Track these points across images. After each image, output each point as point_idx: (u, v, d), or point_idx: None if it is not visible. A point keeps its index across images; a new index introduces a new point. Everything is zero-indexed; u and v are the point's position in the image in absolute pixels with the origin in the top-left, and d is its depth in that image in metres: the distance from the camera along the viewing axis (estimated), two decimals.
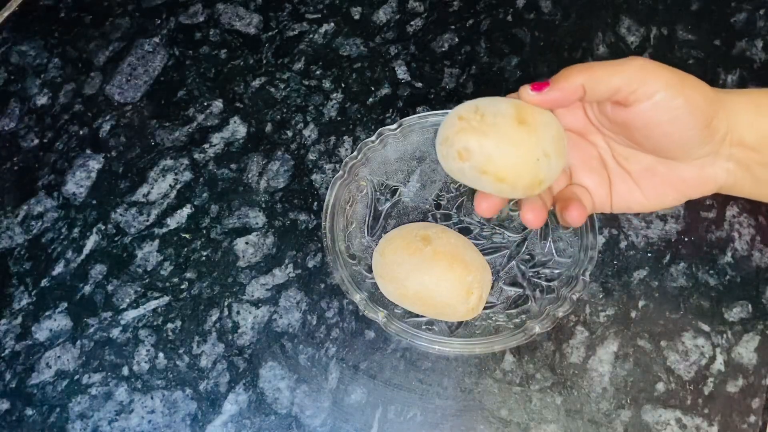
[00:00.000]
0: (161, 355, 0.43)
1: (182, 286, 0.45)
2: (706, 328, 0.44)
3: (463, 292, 0.39)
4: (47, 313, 0.45)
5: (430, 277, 0.39)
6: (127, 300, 0.45)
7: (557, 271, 0.44)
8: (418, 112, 0.49)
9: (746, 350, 0.43)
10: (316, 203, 0.48)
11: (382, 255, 0.41)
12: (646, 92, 0.32)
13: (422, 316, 0.43)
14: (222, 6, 0.55)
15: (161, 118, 0.51)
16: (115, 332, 0.44)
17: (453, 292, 0.39)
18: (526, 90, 0.33)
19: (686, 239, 0.46)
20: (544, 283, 0.44)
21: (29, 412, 0.42)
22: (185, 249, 0.47)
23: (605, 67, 0.32)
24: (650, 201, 0.37)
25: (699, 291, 0.45)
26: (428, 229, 0.42)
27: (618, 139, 0.37)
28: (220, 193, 0.48)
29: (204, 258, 0.46)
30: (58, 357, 0.43)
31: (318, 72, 0.53)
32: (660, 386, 0.42)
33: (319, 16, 0.55)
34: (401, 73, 0.53)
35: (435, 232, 0.41)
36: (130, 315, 0.45)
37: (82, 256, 0.46)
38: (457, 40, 0.54)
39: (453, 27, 0.55)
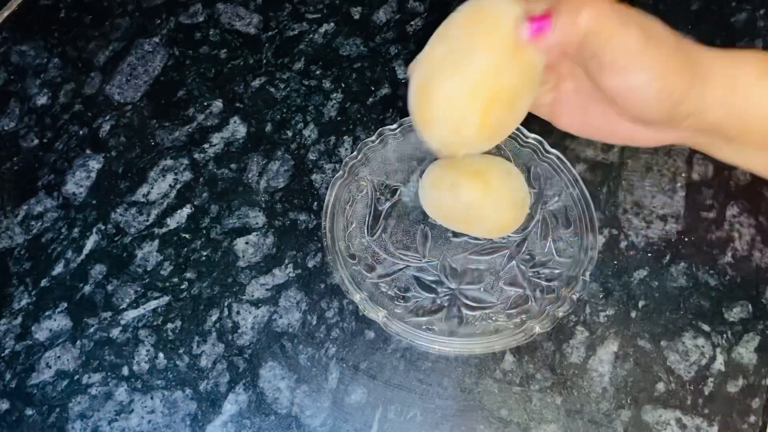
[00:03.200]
0: (161, 355, 0.43)
1: (182, 286, 0.45)
2: (706, 328, 0.44)
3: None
4: (47, 313, 0.45)
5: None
6: (127, 300, 0.45)
7: (557, 271, 0.44)
8: None
9: (746, 350, 0.43)
10: (316, 203, 0.48)
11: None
12: (631, 71, 0.30)
13: (422, 317, 0.43)
14: (222, 6, 0.55)
15: (161, 118, 0.51)
16: (115, 332, 0.44)
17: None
18: (523, 29, 0.30)
19: (686, 239, 0.46)
20: (544, 283, 0.44)
21: (29, 412, 0.42)
22: (185, 249, 0.47)
23: (611, 26, 0.30)
24: (586, 128, 0.35)
25: (699, 291, 0.45)
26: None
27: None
28: (220, 193, 0.48)
29: (204, 258, 0.46)
30: (58, 357, 0.43)
31: (318, 72, 0.53)
32: (660, 386, 0.42)
33: (319, 16, 0.55)
34: (401, 73, 0.53)
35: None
36: (130, 315, 0.45)
37: (82, 256, 0.46)
38: None
39: None
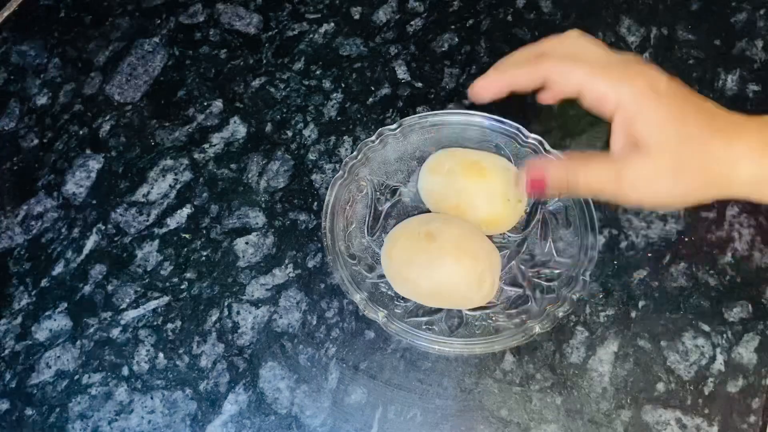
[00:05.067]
0: (161, 355, 0.43)
1: (182, 286, 0.45)
2: (706, 328, 0.44)
3: (475, 283, 0.40)
4: (47, 313, 0.45)
5: (441, 275, 0.40)
6: (127, 300, 0.45)
7: (557, 271, 0.44)
8: (418, 112, 0.49)
9: (746, 350, 0.43)
10: (316, 203, 0.48)
11: (389, 257, 0.42)
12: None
13: (422, 317, 0.43)
14: (222, 6, 0.55)
15: (161, 118, 0.51)
16: (115, 332, 0.44)
17: (466, 284, 0.40)
18: (522, 186, 0.37)
19: (686, 239, 0.46)
20: (544, 283, 0.43)
21: (29, 412, 0.42)
22: (185, 249, 0.47)
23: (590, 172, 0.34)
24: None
25: (699, 291, 0.45)
26: (431, 223, 0.42)
27: None
28: (220, 193, 0.48)
29: (204, 258, 0.46)
30: (58, 357, 0.43)
31: (318, 72, 0.53)
32: (660, 386, 0.42)
33: (319, 16, 0.55)
34: (401, 73, 0.53)
35: (438, 226, 0.41)
36: (130, 315, 0.45)
37: (82, 256, 0.46)
38: (457, 40, 0.54)
39: (453, 27, 0.55)
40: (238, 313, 0.45)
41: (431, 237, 0.40)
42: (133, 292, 0.45)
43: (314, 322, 0.44)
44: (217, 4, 0.55)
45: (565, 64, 0.34)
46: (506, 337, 0.41)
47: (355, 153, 0.46)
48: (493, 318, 0.43)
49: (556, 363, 0.43)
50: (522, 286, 0.44)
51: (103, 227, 0.47)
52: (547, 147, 0.45)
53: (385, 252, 0.42)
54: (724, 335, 0.43)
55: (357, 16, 0.55)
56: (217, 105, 0.51)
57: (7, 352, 0.44)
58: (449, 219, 0.43)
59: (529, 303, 0.43)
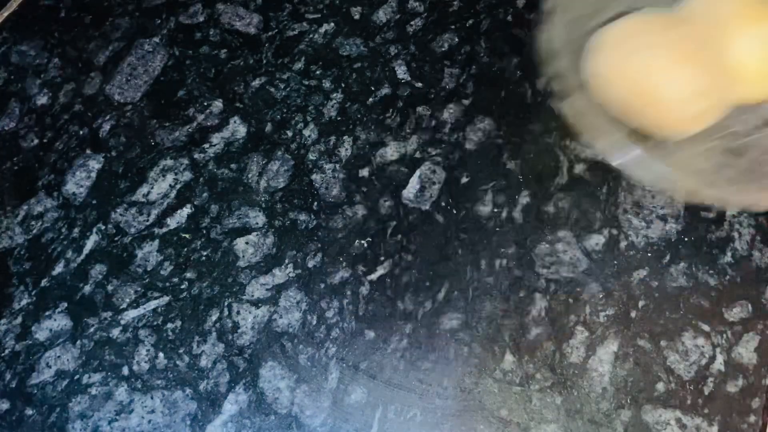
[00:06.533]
0: (161, 355, 0.43)
1: (182, 286, 0.45)
2: (706, 328, 0.44)
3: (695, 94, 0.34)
4: (47, 313, 0.45)
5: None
6: (127, 300, 0.45)
7: None
8: (419, 113, 0.49)
9: (746, 350, 0.43)
10: (316, 203, 0.48)
11: (606, 35, 0.36)
12: None
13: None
14: (222, 6, 0.55)
15: (161, 118, 0.51)
16: (115, 332, 0.44)
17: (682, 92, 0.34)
18: None
19: (686, 239, 0.46)
20: None
21: (29, 412, 0.42)
22: (185, 249, 0.47)
23: None
24: None
25: (699, 291, 0.45)
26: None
27: None
28: (220, 193, 0.48)
29: (204, 258, 0.46)
30: (58, 357, 0.43)
31: (318, 72, 0.53)
32: (660, 386, 0.42)
33: (319, 16, 0.55)
34: (401, 73, 0.53)
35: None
36: (130, 315, 0.45)
37: (82, 256, 0.46)
38: (457, 40, 0.54)
39: (453, 27, 0.55)
40: (238, 313, 0.45)
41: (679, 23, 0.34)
42: (133, 292, 0.45)
43: (314, 322, 0.44)
44: (217, 4, 0.55)
45: None
46: None
47: None
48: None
49: (556, 363, 0.43)
50: None
51: (103, 227, 0.47)
52: None
53: (600, 34, 0.36)
54: (724, 335, 0.43)
55: (357, 16, 0.55)
56: (217, 105, 0.51)
57: (7, 352, 0.44)
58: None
59: None
